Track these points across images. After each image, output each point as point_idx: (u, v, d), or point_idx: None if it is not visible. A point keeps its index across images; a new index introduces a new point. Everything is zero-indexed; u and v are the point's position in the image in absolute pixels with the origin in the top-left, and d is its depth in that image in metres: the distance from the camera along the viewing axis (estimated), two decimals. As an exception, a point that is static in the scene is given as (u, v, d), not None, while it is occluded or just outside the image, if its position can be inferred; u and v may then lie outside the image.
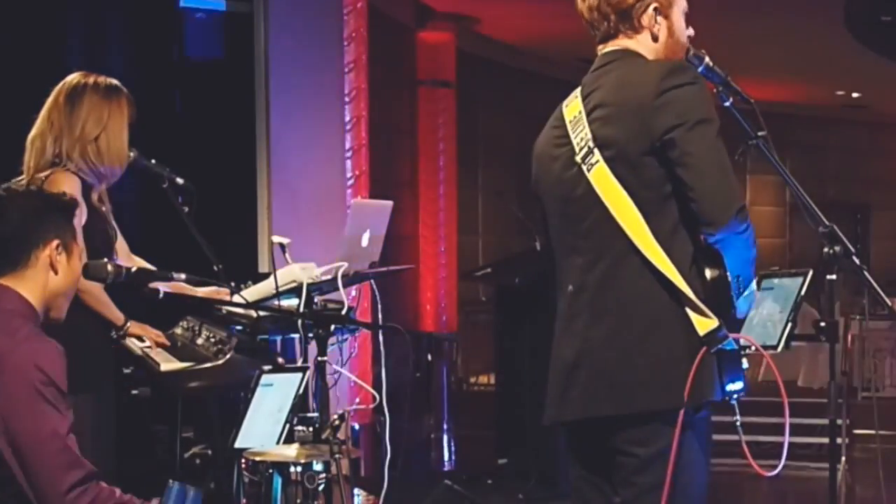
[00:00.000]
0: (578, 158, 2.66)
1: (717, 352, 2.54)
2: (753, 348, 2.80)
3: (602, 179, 2.61)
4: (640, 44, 2.75)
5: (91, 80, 3.71)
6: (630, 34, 2.74)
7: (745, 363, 2.61)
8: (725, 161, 2.56)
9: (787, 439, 2.63)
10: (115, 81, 3.75)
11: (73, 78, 3.72)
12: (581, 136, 2.67)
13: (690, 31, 2.82)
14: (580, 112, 2.69)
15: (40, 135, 3.65)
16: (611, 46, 2.76)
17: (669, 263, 2.56)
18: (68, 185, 3.57)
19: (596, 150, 2.62)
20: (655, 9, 2.73)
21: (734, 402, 2.60)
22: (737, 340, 2.58)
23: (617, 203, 2.59)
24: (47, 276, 2.63)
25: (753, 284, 2.67)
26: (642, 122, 2.57)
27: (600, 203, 2.61)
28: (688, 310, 2.55)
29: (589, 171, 2.63)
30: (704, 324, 2.54)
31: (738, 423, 2.61)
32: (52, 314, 2.68)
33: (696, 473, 2.64)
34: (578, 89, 2.77)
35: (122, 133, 3.71)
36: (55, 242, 2.63)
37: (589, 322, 2.66)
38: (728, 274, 2.59)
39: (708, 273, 2.58)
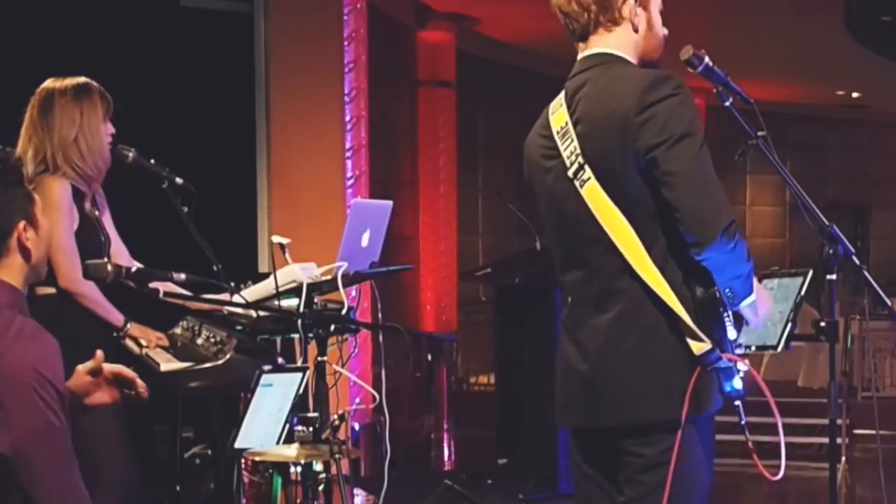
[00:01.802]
0: (570, 174, 2.64)
1: (712, 370, 2.54)
2: (753, 348, 2.81)
3: (595, 197, 2.59)
4: (620, 38, 2.71)
5: (59, 84, 3.75)
6: (610, 27, 2.70)
7: (743, 367, 2.60)
8: (710, 176, 2.52)
9: (782, 441, 2.62)
10: (83, 80, 3.78)
11: (42, 87, 3.76)
12: (570, 149, 2.64)
13: (666, 32, 2.80)
14: (566, 122, 2.66)
15: (23, 152, 3.68)
16: (592, 48, 2.73)
17: (664, 283, 2.55)
18: (58, 189, 3.58)
19: (587, 167, 2.60)
20: (635, 1, 2.71)
21: (738, 406, 2.59)
22: (730, 360, 2.56)
23: (611, 221, 2.58)
24: (23, 256, 2.58)
25: (752, 297, 2.63)
26: (626, 139, 2.54)
27: (594, 220, 2.60)
28: (682, 331, 2.54)
29: (581, 187, 2.61)
30: (697, 347, 2.53)
31: (743, 423, 2.60)
32: (37, 277, 2.67)
33: (700, 474, 2.64)
34: (562, 95, 2.73)
35: (98, 129, 3.75)
36: (21, 224, 2.56)
37: (589, 334, 2.66)
38: (718, 292, 2.56)
39: (698, 291, 2.57)
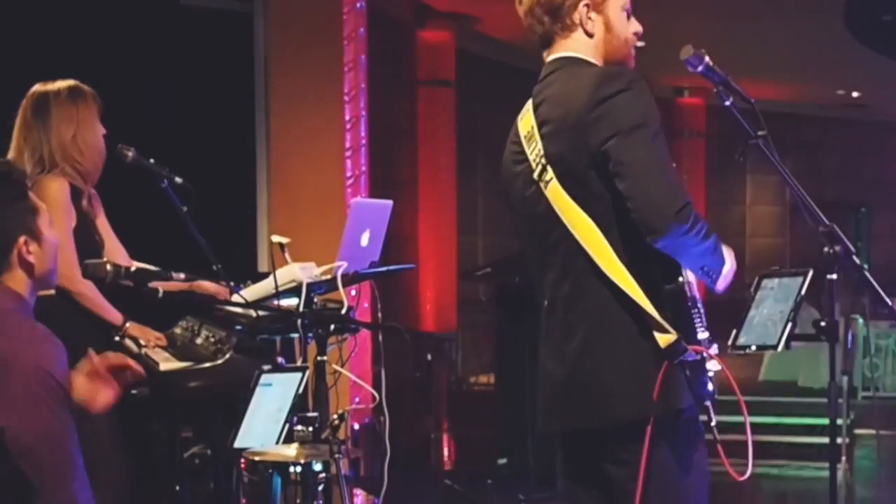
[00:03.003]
0: (535, 176, 2.66)
1: (679, 363, 2.54)
2: (753, 348, 2.81)
3: (557, 197, 2.60)
4: (578, 43, 2.72)
5: (52, 87, 3.78)
6: (565, 34, 2.72)
7: (714, 366, 2.59)
8: (662, 164, 2.52)
9: (749, 440, 2.61)
10: (74, 82, 3.81)
11: (34, 90, 3.78)
12: (535, 152, 2.66)
13: (638, 28, 2.79)
14: (532, 127, 2.69)
15: (18, 154, 3.69)
16: (554, 53, 2.75)
17: (629, 279, 2.55)
18: (56, 188, 3.58)
19: (549, 167, 2.62)
20: (587, 5, 2.71)
21: (709, 406, 2.59)
22: (698, 352, 2.56)
23: (574, 220, 2.59)
24: (26, 269, 2.58)
25: (729, 265, 2.64)
26: (582, 137, 2.55)
27: (560, 220, 2.61)
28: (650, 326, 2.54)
29: (545, 188, 2.63)
30: (664, 339, 2.53)
31: (713, 426, 2.61)
32: (45, 288, 2.67)
33: (684, 479, 2.62)
34: (530, 101, 2.76)
35: (94, 127, 3.79)
36: (22, 239, 2.57)
37: (563, 336, 2.66)
38: (685, 285, 2.56)
39: (665, 284, 2.57)
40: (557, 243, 2.65)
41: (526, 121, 2.73)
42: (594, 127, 2.53)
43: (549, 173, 2.61)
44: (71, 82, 3.80)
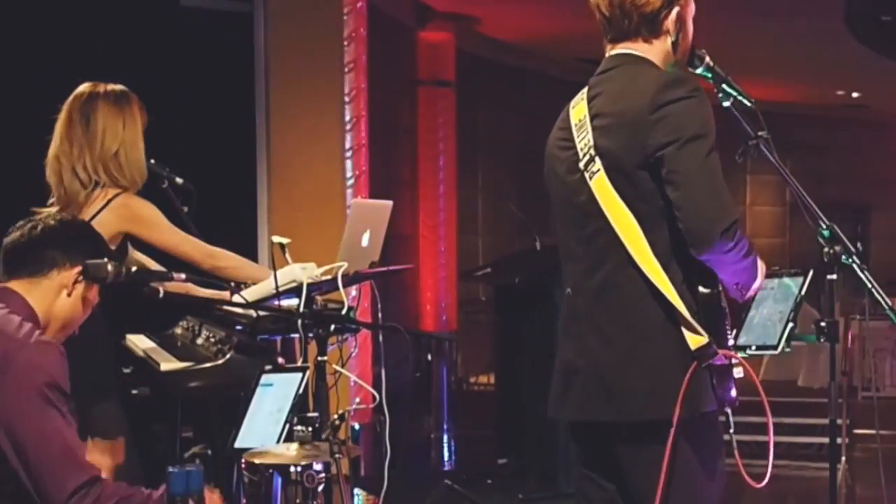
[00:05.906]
0: (581, 165, 2.66)
1: (707, 366, 2.54)
2: (753, 348, 2.81)
3: (602, 189, 2.61)
4: (654, 48, 2.73)
5: (101, 89, 3.67)
6: (648, 38, 2.72)
7: (738, 373, 2.61)
8: (715, 179, 2.54)
9: (771, 445, 2.62)
10: (122, 88, 3.71)
11: (82, 90, 3.67)
12: (584, 142, 2.66)
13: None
14: (584, 116, 2.69)
15: (61, 154, 3.61)
16: (620, 49, 2.75)
17: (665, 278, 2.56)
18: (146, 207, 3.56)
19: (597, 159, 2.62)
20: (678, 13, 2.72)
21: (728, 410, 2.61)
22: (728, 357, 2.57)
23: (616, 214, 2.59)
24: (57, 297, 2.64)
25: (759, 281, 2.66)
26: (638, 136, 2.57)
27: (601, 212, 2.62)
28: (680, 327, 2.55)
29: (590, 178, 2.63)
30: (695, 340, 2.54)
31: (731, 432, 2.62)
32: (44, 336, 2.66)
33: (703, 480, 2.63)
34: (585, 90, 2.76)
35: (138, 143, 3.69)
36: (79, 268, 2.65)
37: (586, 328, 2.67)
38: (720, 292, 2.60)
39: (701, 289, 2.59)
40: (593, 234, 2.66)
41: (579, 109, 2.73)
42: (653, 128, 2.54)
43: (597, 165, 2.62)
44: (118, 87, 3.69)
